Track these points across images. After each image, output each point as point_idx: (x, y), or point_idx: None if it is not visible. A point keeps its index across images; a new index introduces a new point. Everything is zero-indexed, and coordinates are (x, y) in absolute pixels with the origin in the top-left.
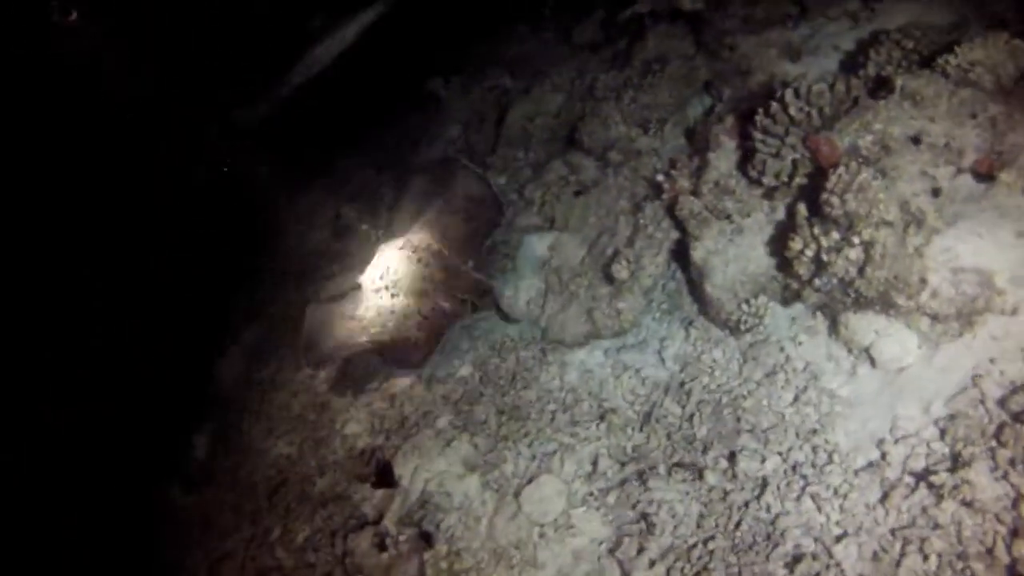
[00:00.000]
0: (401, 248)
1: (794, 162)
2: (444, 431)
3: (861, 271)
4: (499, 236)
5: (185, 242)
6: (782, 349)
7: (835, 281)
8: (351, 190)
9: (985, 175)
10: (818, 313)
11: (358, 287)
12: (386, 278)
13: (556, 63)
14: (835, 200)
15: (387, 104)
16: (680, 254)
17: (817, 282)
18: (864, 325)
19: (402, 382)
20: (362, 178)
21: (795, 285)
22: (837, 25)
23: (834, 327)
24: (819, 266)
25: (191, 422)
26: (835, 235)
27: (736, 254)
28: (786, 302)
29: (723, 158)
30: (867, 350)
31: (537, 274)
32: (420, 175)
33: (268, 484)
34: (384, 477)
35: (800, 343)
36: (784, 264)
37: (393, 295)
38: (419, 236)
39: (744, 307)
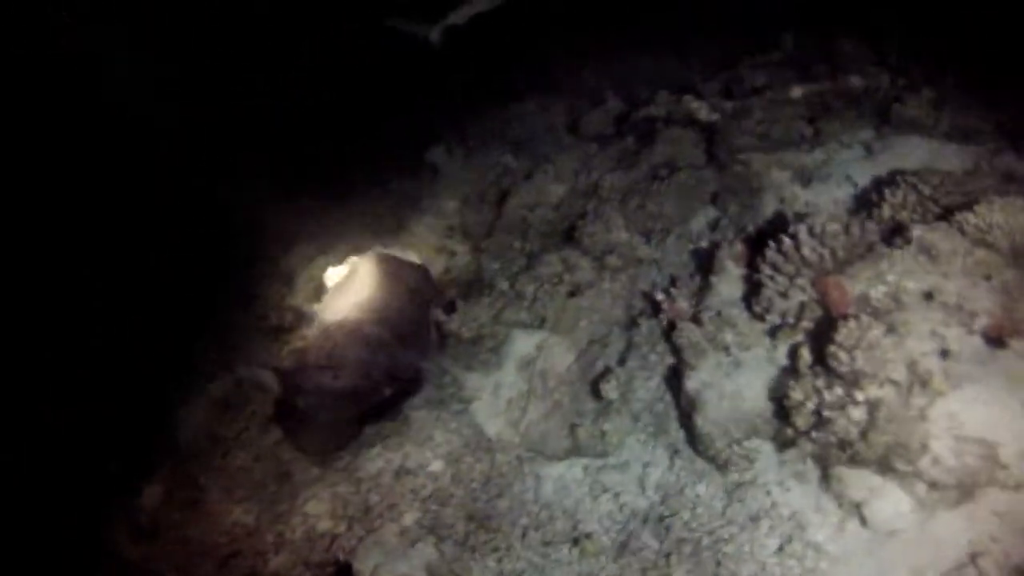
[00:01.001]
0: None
1: (802, 304)
2: (409, 529)
3: (863, 434)
4: (486, 328)
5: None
6: (768, 493)
7: (834, 439)
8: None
9: (996, 340)
10: (809, 460)
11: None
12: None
13: (561, 151)
14: (843, 355)
15: (381, 163)
16: (673, 378)
17: (815, 435)
18: (858, 481)
19: (370, 466)
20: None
21: (791, 433)
22: (851, 153)
23: (825, 478)
24: (819, 421)
25: (143, 467)
26: (838, 391)
27: (732, 390)
28: (780, 448)
29: (726, 284)
30: (858, 507)
31: (521, 373)
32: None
33: (219, 551)
34: None
35: (788, 489)
36: (782, 411)
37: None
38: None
39: (736, 448)
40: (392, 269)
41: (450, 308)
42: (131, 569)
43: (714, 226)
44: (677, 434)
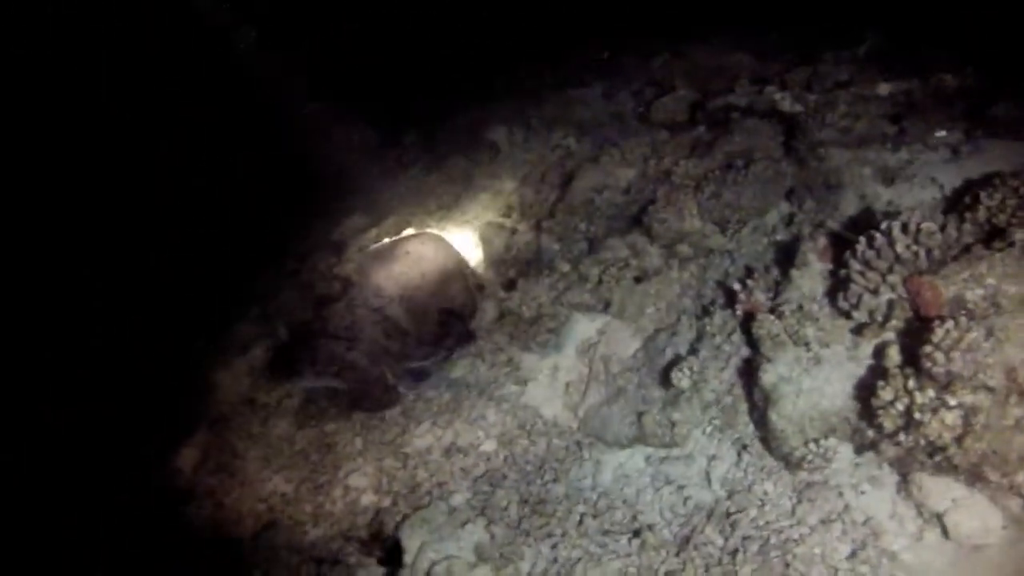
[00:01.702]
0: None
1: (891, 302)
2: (459, 510)
3: (958, 440)
4: (546, 308)
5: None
6: (841, 495)
7: (924, 443)
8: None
9: None
10: (886, 464)
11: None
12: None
13: (628, 136)
14: (939, 356)
15: (438, 139)
16: (746, 371)
17: (902, 438)
18: (941, 489)
19: (418, 442)
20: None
21: (873, 435)
22: (936, 155)
23: (904, 484)
24: (908, 423)
25: (180, 430)
26: (930, 393)
27: (810, 386)
28: (857, 449)
29: (808, 279)
30: (940, 517)
31: (581, 357)
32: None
33: (255, 519)
34: (391, 555)
35: (863, 493)
36: (864, 411)
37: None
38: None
39: (812, 446)
40: (435, 254)
41: (510, 286)
42: (163, 530)
43: (789, 220)
44: (745, 428)
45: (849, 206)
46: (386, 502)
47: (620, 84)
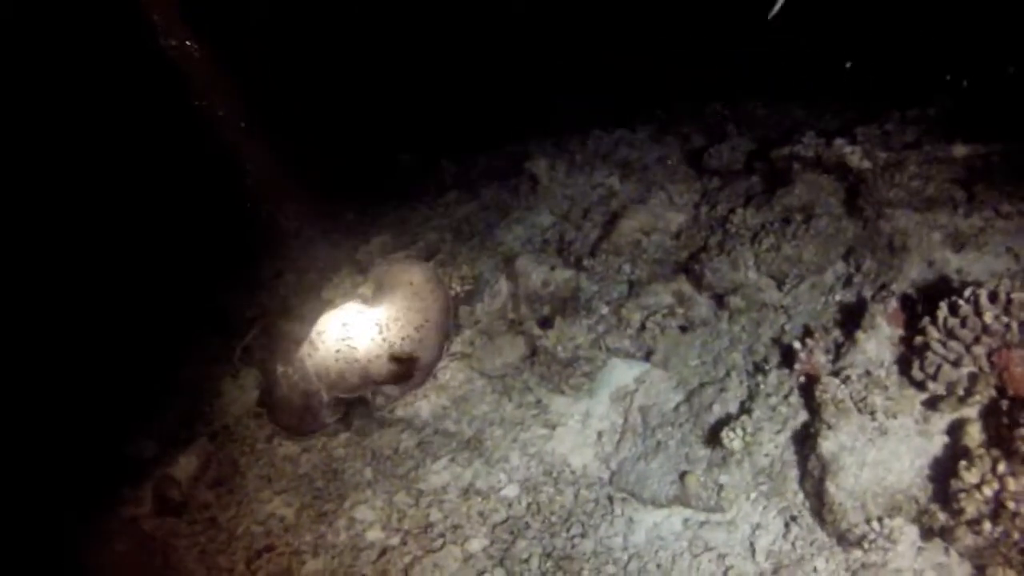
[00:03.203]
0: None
1: (973, 375)
2: (475, 558)
3: None
4: (583, 351)
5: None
6: None
7: (1016, 535)
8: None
9: None
10: (956, 553)
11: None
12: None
13: (675, 180)
14: None
15: (475, 168)
16: (801, 437)
17: (987, 527)
18: None
19: (434, 478)
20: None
21: (948, 520)
22: (1011, 223)
23: None
24: (997, 511)
25: (181, 436)
26: None
27: (875, 458)
28: (925, 533)
29: (875, 343)
30: None
31: (615, 404)
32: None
33: (250, 542)
34: None
35: None
36: (939, 491)
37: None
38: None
39: (874, 524)
40: (426, 300)
41: (545, 323)
42: (150, 542)
43: (848, 280)
44: (795, 498)
45: (914, 270)
46: (394, 540)
47: (669, 128)
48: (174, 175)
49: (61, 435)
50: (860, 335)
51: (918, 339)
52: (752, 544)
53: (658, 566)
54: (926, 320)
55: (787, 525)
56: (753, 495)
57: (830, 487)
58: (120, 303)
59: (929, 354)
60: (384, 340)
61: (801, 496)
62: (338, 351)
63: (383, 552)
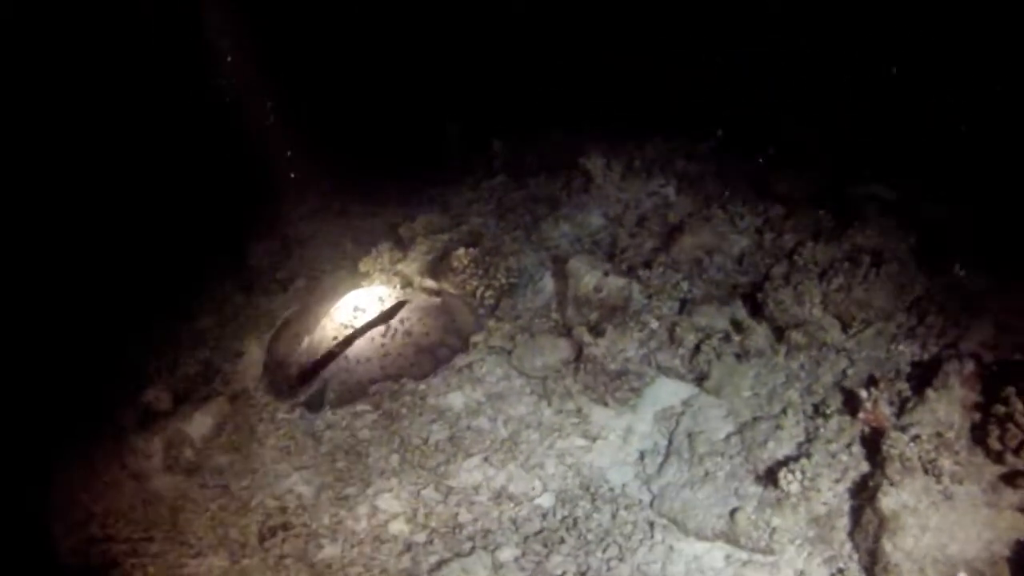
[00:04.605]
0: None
1: None
2: (507, 567)
3: None
4: (633, 365)
5: None
6: None
7: None
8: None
9: None
10: None
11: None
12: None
13: (737, 201)
14: None
15: (527, 157)
16: (858, 487)
17: None
18: None
19: (465, 476)
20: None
21: None
22: None
23: None
24: None
25: (198, 393)
26: None
27: (938, 523)
28: None
29: (946, 404)
30: None
31: (659, 424)
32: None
33: (265, 518)
34: None
35: None
36: (1007, 571)
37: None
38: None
39: None
40: (439, 307)
41: (595, 331)
42: (155, 500)
43: (912, 331)
44: (842, 549)
45: (983, 332)
46: (420, 536)
47: (734, 143)
48: (208, 132)
49: (73, 373)
50: (931, 393)
51: (999, 408)
52: None
53: None
54: (1010, 390)
55: None
56: (799, 540)
57: (886, 545)
58: (147, 246)
59: (1011, 426)
60: (382, 346)
61: (849, 547)
62: (335, 337)
63: (408, 548)
